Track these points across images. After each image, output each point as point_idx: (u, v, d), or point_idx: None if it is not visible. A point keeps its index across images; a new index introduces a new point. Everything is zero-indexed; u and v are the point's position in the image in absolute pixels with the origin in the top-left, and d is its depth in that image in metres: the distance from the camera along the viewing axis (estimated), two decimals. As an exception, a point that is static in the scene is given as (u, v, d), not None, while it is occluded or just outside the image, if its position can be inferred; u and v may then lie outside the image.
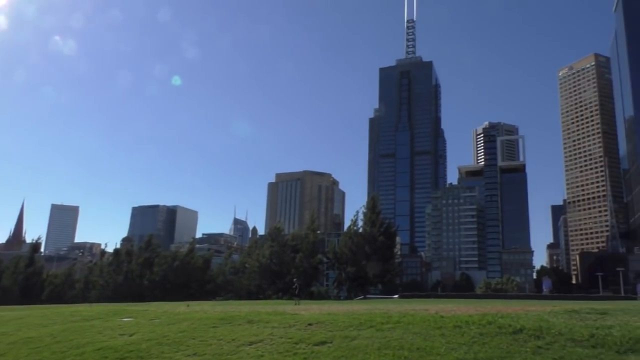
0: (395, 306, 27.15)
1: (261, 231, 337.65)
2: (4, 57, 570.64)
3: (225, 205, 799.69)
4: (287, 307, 27.92)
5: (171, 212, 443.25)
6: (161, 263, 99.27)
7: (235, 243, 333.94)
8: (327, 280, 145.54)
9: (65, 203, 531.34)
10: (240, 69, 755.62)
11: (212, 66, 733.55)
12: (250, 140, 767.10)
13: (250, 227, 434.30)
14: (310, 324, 16.80)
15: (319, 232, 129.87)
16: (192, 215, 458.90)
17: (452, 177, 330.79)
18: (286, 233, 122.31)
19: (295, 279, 46.76)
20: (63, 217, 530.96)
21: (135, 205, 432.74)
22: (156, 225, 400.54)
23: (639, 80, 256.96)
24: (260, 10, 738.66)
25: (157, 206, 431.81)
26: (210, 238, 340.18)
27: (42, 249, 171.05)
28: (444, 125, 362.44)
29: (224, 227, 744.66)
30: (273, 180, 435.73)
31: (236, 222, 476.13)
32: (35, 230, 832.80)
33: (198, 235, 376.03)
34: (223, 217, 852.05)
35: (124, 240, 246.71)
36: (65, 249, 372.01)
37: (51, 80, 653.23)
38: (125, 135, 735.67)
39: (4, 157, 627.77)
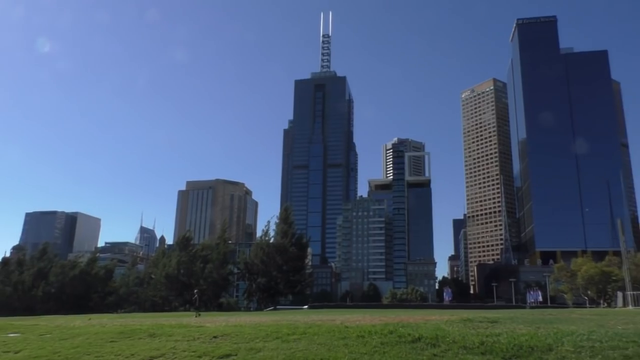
0: (303, 317, 27.35)
1: (170, 240, 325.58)
2: None
3: (131, 213, 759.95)
4: (192, 319, 27.18)
5: (70, 219, 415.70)
6: (57, 273, 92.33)
7: (141, 252, 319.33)
8: (237, 291, 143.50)
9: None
10: (153, 73, 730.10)
11: (123, 66, 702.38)
12: (161, 146, 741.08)
13: (158, 236, 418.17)
14: (215, 337, 16.47)
15: (230, 242, 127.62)
16: (94, 223, 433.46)
17: (363, 190, 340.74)
18: (196, 242, 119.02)
19: (196, 290, 45.44)
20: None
21: (30, 211, 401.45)
22: (53, 233, 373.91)
23: (531, 105, 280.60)
24: (175, 15, 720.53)
25: (54, 212, 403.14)
26: (113, 247, 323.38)
27: None
28: (355, 139, 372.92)
29: (130, 235, 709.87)
30: (184, 188, 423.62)
31: (143, 230, 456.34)
32: None
33: (100, 244, 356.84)
34: (128, 225, 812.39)
35: (15, 248, 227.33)
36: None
37: None
38: (20, 134, 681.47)
39: None
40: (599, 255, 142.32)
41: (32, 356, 15.62)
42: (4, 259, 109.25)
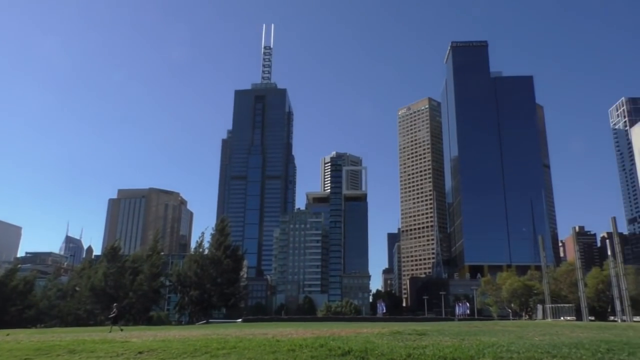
0: (235, 331, 26.92)
1: (98, 251, 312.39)
2: None
3: (56, 221, 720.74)
4: (117, 334, 26.03)
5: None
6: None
7: (66, 263, 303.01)
8: (168, 305, 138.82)
9: None
10: (85, 75, 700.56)
11: (50, 64, 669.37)
12: (90, 152, 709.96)
13: (86, 247, 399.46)
14: (140, 352, 15.85)
15: (162, 253, 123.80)
16: (14, 231, 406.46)
17: (301, 203, 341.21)
18: (127, 253, 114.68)
19: (115, 304, 43.60)
20: None
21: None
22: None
23: (463, 125, 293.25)
24: (114, 19, 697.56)
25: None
26: (35, 257, 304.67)
27: None
28: (294, 151, 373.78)
29: (54, 245, 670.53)
30: (115, 196, 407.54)
31: (68, 240, 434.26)
32: None
33: (21, 254, 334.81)
34: (53, 234, 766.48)
35: None
36: None
37: None
38: None
39: None
40: (522, 270, 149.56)
41: None
42: None
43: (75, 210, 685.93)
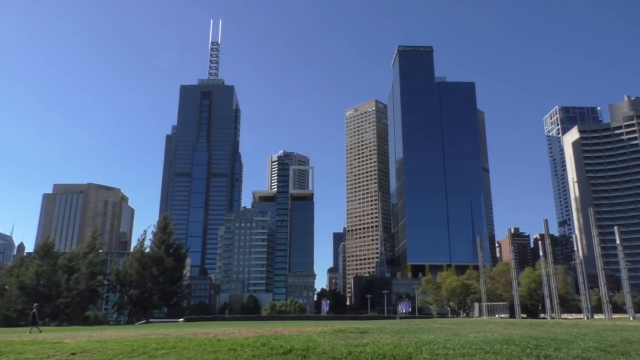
0: (175, 330, 26.37)
1: (30, 248, 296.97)
2: None
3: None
4: (49, 334, 24.89)
5: None
6: None
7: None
8: (107, 304, 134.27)
9: None
10: (21, 59, 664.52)
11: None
12: (25, 142, 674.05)
13: (17, 244, 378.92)
14: (73, 354, 15.24)
15: (101, 251, 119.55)
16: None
17: (247, 201, 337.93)
18: (64, 251, 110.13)
19: (35, 305, 41.67)
20: None
21: None
22: None
23: (408, 128, 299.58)
24: (52, 9, 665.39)
25: None
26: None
27: None
28: (241, 149, 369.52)
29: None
30: (50, 191, 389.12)
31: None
32: None
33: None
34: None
35: None
36: None
37: None
38: None
39: None
40: (461, 269, 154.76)
41: None
42: None
43: (6, 204, 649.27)
